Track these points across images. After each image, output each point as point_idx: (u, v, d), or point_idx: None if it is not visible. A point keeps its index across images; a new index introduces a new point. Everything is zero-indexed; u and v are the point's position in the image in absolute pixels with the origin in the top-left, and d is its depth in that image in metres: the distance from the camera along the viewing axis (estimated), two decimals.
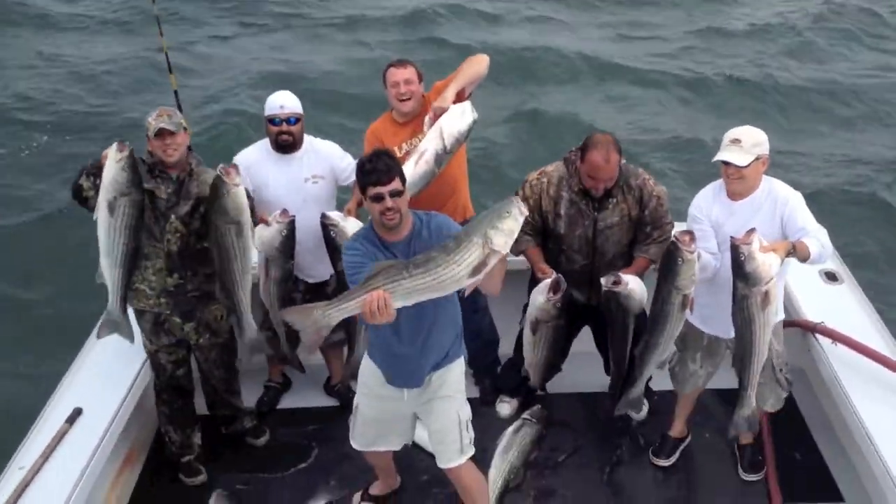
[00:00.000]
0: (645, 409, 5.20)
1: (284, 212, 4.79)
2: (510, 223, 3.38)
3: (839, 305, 5.02)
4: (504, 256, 3.52)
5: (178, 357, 4.90)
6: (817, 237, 4.07)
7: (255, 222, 4.69)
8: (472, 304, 5.09)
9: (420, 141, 4.76)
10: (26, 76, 13.79)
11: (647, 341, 4.48)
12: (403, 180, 3.77)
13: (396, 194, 3.68)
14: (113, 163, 4.23)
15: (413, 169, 4.55)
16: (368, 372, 4.21)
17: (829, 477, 4.76)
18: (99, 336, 4.73)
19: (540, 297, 4.61)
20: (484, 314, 5.38)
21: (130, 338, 4.74)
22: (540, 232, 4.85)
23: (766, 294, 3.95)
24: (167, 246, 4.60)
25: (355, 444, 4.45)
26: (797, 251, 4.01)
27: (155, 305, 4.72)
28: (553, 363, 4.99)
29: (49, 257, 8.89)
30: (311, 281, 5.21)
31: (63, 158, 10.84)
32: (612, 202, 4.66)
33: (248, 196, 4.63)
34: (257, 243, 4.72)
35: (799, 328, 4.92)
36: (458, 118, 4.69)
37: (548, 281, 4.60)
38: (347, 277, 3.80)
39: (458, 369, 4.12)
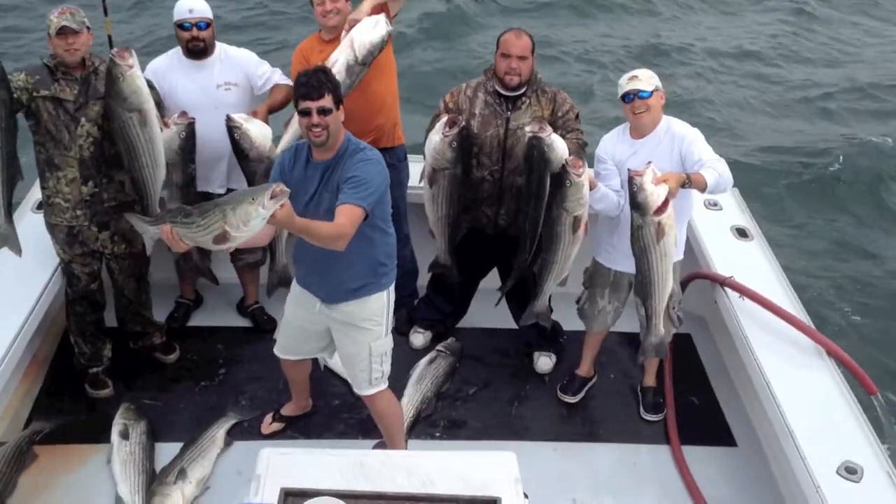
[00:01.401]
0: (552, 360, 5.34)
1: (183, 114, 4.69)
2: (248, 209, 3.31)
3: (748, 261, 5.20)
4: (303, 226, 3.55)
5: (92, 270, 4.78)
6: (713, 167, 4.22)
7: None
8: (395, 234, 5.09)
9: None
10: None
11: (543, 258, 4.62)
12: (338, 100, 3.78)
13: (323, 111, 3.71)
14: None
15: None
16: (295, 276, 4.26)
17: (724, 422, 4.98)
18: None
19: (435, 136, 4.50)
20: (405, 244, 5.37)
21: (18, 251, 4.54)
22: None
23: (660, 225, 4.12)
24: (79, 152, 4.45)
25: (276, 349, 4.48)
26: (693, 181, 4.18)
27: (72, 219, 4.59)
28: (456, 222, 4.81)
29: None
30: (222, 191, 5.06)
31: None
32: (525, 102, 4.72)
33: (152, 87, 4.51)
34: None
35: (708, 281, 5.09)
36: (369, 30, 4.64)
37: (443, 119, 4.54)
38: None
39: (376, 302, 4.10)
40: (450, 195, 4.67)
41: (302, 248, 3.97)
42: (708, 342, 5.56)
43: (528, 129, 4.45)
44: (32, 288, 4.78)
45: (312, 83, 3.73)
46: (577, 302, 5.01)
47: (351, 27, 4.68)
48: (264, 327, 5.47)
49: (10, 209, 4.41)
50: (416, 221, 5.20)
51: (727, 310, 4.87)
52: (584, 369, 5.17)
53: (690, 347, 5.53)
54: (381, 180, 3.82)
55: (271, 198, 3.29)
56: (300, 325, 4.32)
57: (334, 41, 4.87)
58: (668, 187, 4.07)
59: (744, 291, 4.81)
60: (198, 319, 5.66)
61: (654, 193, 4.06)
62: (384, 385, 4.28)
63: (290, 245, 4.57)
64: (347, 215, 3.65)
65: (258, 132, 4.69)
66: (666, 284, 4.35)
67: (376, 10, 4.73)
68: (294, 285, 4.27)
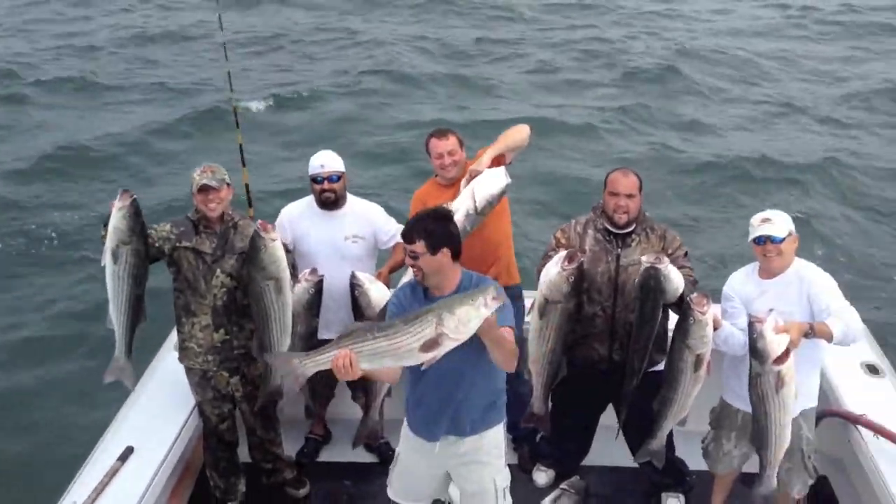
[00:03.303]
0: (680, 501, 5.24)
1: (314, 270, 4.93)
2: (468, 311, 3.40)
3: (880, 398, 5.02)
4: (499, 336, 3.63)
5: (222, 412, 5.02)
6: (840, 317, 4.15)
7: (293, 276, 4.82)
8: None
9: None
10: None
11: (662, 395, 4.58)
12: (432, 246, 3.88)
13: (413, 255, 3.89)
14: (115, 211, 4.37)
15: None
16: (408, 423, 4.31)
17: None
18: (105, 380, 4.82)
19: (553, 268, 4.55)
20: (524, 381, 5.42)
21: (132, 384, 4.88)
22: None
23: (780, 375, 4.06)
24: (213, 301, 4.74)
25: (391, 491, 4.53)
26: (816, 332, 4.13)
27: (203, 363, 4.87)
28: (558, 361, 4.77)
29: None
30: None
31: None
32: (636, 240, 4.80)
33: (287, 250, 4.76)
34: None
35: (840, 419, 4.92)
36: (490, 181, 4.84)
37: (562, 252, 4.60)
38: None
39: (495, 435, 4.18)
40: (559, 330, 4.67)
41: (427, 386, 4.05)
42: (845, 484, 5.30)
43: (644, 259, 4.52)
44: (174, 424, 5.05)
45: (405, 229, 3.98)
46: (703, 441, 4.92)
47: (471, 177, 4.87)
48: (389, 462, 5.54)
49: (130, 346, 4.71)
50: None
51: (862, 450, 4.69)
52: None
53: (828, 491, 5.29)
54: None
55: (493, 299, 3.42)
56: (418, 470, 4.35)
57: (452, 186, 5.13)
58: (789, 337, 4.03)
59: (879, 430, 4.64)
60: (327, 455, 5.81)
61: (774, 342, 4.02)
62: None
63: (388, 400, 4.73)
64: (511, 336, 3.79)
65: (377, 294, 4.92)
66: (783, 437, 4.25)
67: (495, 161, 4.94)
68: (407, 433, 4.31)
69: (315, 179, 5.19)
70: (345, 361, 3.56)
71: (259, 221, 4.57)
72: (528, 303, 5.23)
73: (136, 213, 4.42)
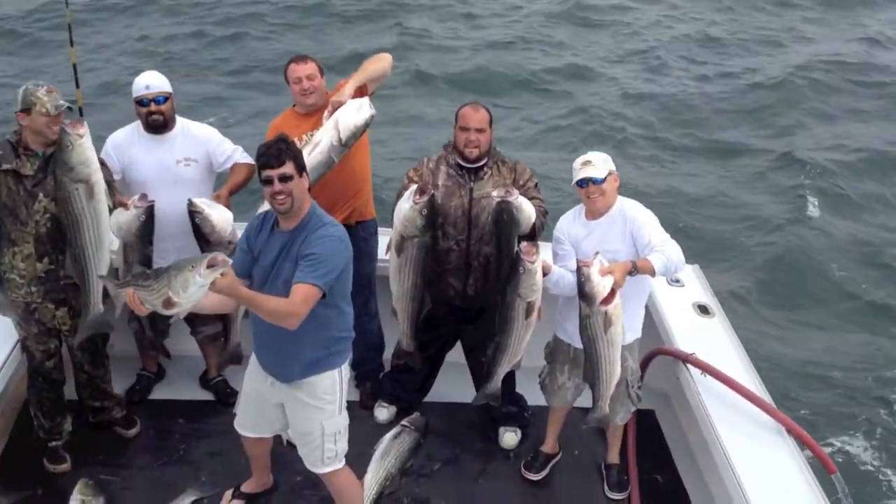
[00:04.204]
0: (517, 435, 5.34)
1: (143, 196, 4.69)
2: (188, 276, 3.37)
3: (709, 338, 5.26)
4: (248, 298, 3.64)
5: (48, 348, 4.73)
6: (662, 251, 4.30)
7: (114, 205, 4.57)
8: (364, 308, 5.12)
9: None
10: None
11: (497, 342, 4.67)
12: (300, 168, 3.82)
13: (285, 178, 3.75)
14: None
15: (307, 158, 4.51)
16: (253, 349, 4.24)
17: (687, 501, 4.98)
18: None
19: (405, 203, 4.56)
20: (373, 318, 5.41)
21: (8, 312, 4.62)
22: None
23: (607, 315, 4.20)
24: (35, 228, 4.44)
25: (236, 424, 4.44)
26: (639, 268, 4.26)
27: (26, 295, 4.56)
28: (421, 296, 4.82)
29: None
30: None
31: None
32: (487, 173, 4.83)
33: (103, 164, 4.49)
34: (114, 228, 4.59)
35: (671, 357, 5.14)
36: (354, 112, 4.74)
37: (413, 187, 4.62)
38: None
39: (327, 380, 4.07)
40: (417, 264, 4.67)
41: (256, 321, 3.96)
42: (671, 419, 5.58)
43: (494, 193, 4.56)
44: None
45: (272, 152, 3.79)
46: (540, 376, 5.03)
47: (334, 108, 4.74)
48: (226, 401, 5.39)
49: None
50: (384, 295, 5.22)
51: (689, 387, 4.91)
52: (549, 445, 5.16)
53: (654, 423, 5.55)
54: (340, 258, 3.83)
55: (208, 266, 3.33)
56: (257, 399, 4.28)
57: (310, 115, 4.97)
58: (613, 278, 4.15)
59: (706, 368, 4.86)
60: (159, 392, 5.58)
61: (600, 284, 4.14)
62: (339, 464, 4.23)
63: (246, 322, 4.56)
64: (302, 294, 3.67)
65: (219, 217, 4.71)
66: (613, 372, 4.42)
67: (357, 92, 4.83)
68: (252, 358, 4.24)
69: (140, 102, 4.87)
70: (132, 300, 3.55)
71: (68, 120, 4.25)
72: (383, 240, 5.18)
73: None
